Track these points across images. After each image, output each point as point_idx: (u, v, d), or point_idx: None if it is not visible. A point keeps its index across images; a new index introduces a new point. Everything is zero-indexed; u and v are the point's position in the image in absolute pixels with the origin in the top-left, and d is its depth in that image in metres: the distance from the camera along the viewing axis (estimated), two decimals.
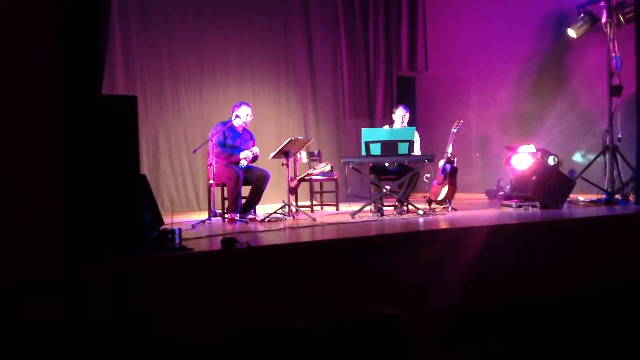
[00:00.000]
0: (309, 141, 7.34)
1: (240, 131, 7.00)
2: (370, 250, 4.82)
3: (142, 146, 8.21)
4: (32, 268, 3.47)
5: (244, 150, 6.94)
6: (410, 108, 7.97)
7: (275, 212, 6.65)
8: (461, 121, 7.94)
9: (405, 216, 6.88)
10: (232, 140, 6.91)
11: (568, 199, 7.36)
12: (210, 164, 6.66)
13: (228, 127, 6.88)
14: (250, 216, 6.72)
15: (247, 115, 6.96)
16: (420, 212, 6.83)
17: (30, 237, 3.50)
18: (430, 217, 6.71)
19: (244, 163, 6.79)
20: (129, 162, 4.03)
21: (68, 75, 3.76)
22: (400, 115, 7.59)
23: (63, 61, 3.69)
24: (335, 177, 8.22)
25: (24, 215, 3.49)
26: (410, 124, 7.64)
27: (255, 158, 6.98)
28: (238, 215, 6.58)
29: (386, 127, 7.58)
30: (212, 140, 6.71)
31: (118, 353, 3.39)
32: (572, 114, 9.03)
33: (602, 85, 8.06)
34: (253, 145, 7.11)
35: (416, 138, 7.44)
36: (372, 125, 10.43)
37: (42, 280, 3.48)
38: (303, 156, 8.36)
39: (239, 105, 7.02)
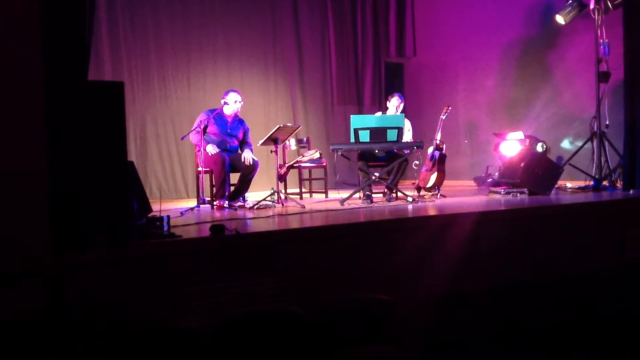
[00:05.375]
0: (297, 128, 7.32)
1: (229, 119, 6.95)
2: (359, 236, 4.82)
3: (130, 133, 8.17)
4: (19, 257, 3.45)
5: (231, 138, 6.92)
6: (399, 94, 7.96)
7: (264, 200, 6.63)
8: (450, 108, 7.94)
9: (394, 203, 6.89)
10: (218, 128, 6.86)
11: (556, 186, 7.39)
12: (199, 150, 6.63)
13: (216, 115, 6.82)
14: (239, 203, 6.70)
15: (236, 102, 6.92)
16: (409, 199, 6.84)
17: (17, 226, 3.47)
18: (419, 203, 6.72)
19: (210, 150, 6.68)
20: (116, 148, 3.99)
21: (54, 61, 3.71)
22: (395, 105, 7.57)
23: (49, 46, 3.65)
24: (324, 164, 8.20)
25: (10, 205, 3.47)
26: (401, 111, 7.63)
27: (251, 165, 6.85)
28: (227, 202, 6.56)
29: (379, 114, 7.58)
30: (199, 129, 6.65)
31: (108, 340, 3.38)
32: (560, 100, 9.06)
33: (589, 71, 8.06)
34: (244, 133, 7.07)
35: (408, 127, 7.43)
36: (360, 112, 10.41)
37: (30, 269, 3.46)
38: (292, 143, 8.33)
39: (227, 93, 6.99)
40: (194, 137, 6.77)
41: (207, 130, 6.83)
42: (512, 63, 9.76)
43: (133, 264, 3.84)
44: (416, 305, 3.58)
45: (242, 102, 7.00)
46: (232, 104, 6.88)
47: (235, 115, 6.99)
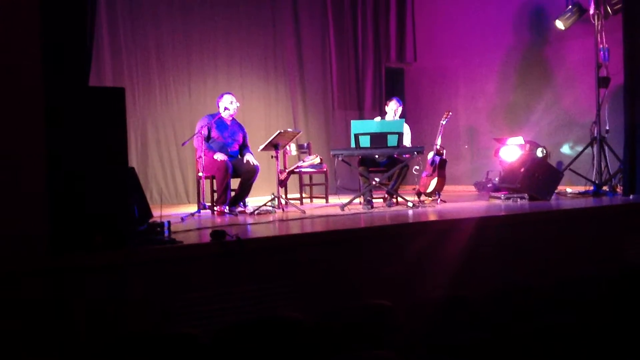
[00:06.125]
0: (298, 133, 7.33)
1: (229, 123, 6.97)
2: (360, 242, 4.82)
3: (131, 139, 8.19)
4: (20, 257, 3.46)
5: (231, 142, 6.93)
6: (399, 99, 7.97)
7: (264, 205, 6.64)
8: (450, 113, 7.95)
9: (395, 208, 6.89)
10: (219, 133, 6.87)
11: (556, 191, 7.40)
12: (200, 157, 6.64)
13: (216, 120, 6.84)
14: (240, 209, 6.71)
15: (232, 102, 6.93)
16: (410, 204, 6.84)
17: (17, 227, 3.48)
18: (420, 209, 6.72)
19: (219, 157, 6.72)
20: (117, 154, 4.00)
21: (55, 67, 3.73)
22: (393, 109, 7.60)
23: (50, 52, 3.67)
24: (325, 169, 8.21)
25: (11, 206, 3.48)
26: (400, 116, 7.65)
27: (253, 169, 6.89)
28: (227, 208, 6.56)
29: (378, 118, 7.58)
30: (200, 134, 6.65)
31: (108, 345, 3.38)
32: (560, 105, 9.08)
33: (589, 76, 8.08)
34: (243, 137, 7.09)
35: (407, 131, 7.44)
36: (361, 117, 10.43)
37: (30, 269, 3.47)
38: (292, 148, 8.35)
39: (222, 96, 7.01)
40: (198, 142, 6.76)
41: (210, 135, 6.84)
42: (512, 68, 9.77)
43: (134, 269, 3.84)
44: (416, 310, 3.59)
45: (238, 103, 7.02)
46: (229, 106, 6.90)
47: (234, 119, 7.01)
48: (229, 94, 7.06)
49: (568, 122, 8.93)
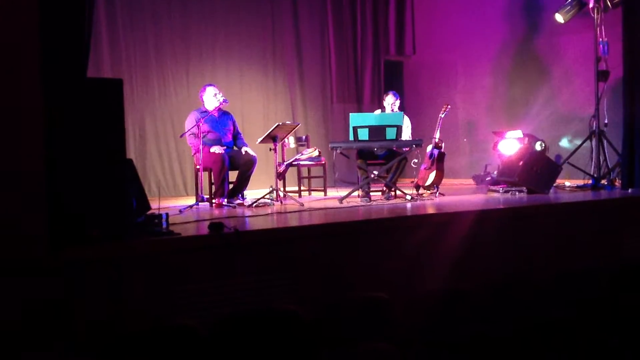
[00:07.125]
0: (296, 126, 7.32)
1: (216, 115, 6.93)
2: (358, 235, 4.82)
3: (129, 131, 8.16)
4: (18, 255, 3.45)
5: (224, 133, 6.91)
6: (398, 93, 7.96)
7: (263, 197, 6.63)
8: (449, 106, 7.94)
9: (393, 201, 6.88)
10: (210, 127, 6.82)
11: (555, 184, 7.39)
12: (195, 153, 6.61)
13: (204, 116, 6.74)
14: (238, 201, 6.69)
15: (216, 94, 6.89)
16: (408, 197, 6.83)
17: (15, 223, 3.47)
18: (418, 202, 6.71)
19: (216, 150, 6.70)
20: (115, 145, 3.99)
21: (53, 58, 3.71)
22: (390, 103, 7.59)
23: (48, 44, 3.64)
24: (323, 162, 8.20)
25: (8, 202, 3.46)
26: (399, 109, 7.64)
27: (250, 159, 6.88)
28: (225, 200, 6.55)
29: (378, 111, 7.57)
30: (196, 132, 6.59)
31: (108, 338, 3.38)
32: (558, 99, 9.06)
33: (588, 70, 8.06)
34: (233, 124, 7.07)
35: (407, 124, 7.43)
36: (359, 110, 10.41)
37: (28, 267, 3.45)
38: (291, 141, 8.32)
39: (204, 89, 6.96)
40: (192, 141, 6.73)
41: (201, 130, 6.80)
42: (511, 62, 9.75)
43: (132, 262, 3.83)
44: (414, 303, 3.59)
45: (221, 94, 6.97)
46: (213, 100, 6.86)
47: (220, 110, 6.97)
48: (212, 85, 7.02)
49: (567, 115, 8.92)
